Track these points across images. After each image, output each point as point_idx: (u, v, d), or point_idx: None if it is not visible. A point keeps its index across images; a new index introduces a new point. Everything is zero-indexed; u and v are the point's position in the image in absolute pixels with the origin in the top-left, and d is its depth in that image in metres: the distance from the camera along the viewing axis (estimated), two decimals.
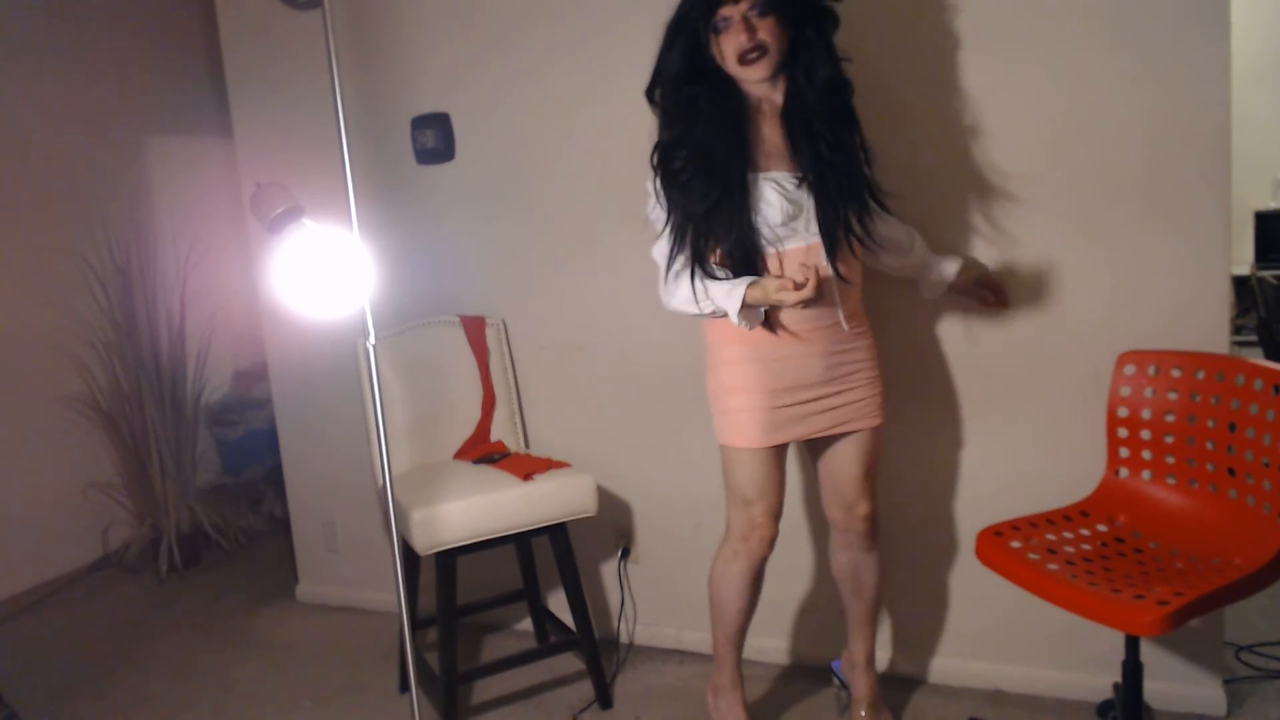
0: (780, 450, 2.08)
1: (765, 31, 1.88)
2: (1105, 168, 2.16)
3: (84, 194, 3.85)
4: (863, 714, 2.27)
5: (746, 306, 1.89)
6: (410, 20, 2.86)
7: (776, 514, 2.09)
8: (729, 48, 1.91)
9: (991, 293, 2.25)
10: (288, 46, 3.04)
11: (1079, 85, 2.15)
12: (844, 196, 1.94)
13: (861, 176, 1.98)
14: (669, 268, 1.99)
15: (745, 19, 1.87)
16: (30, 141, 3.69)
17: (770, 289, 1.84)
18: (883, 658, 2.53)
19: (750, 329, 1.96)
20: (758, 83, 1.95)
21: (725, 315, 1.93)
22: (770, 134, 1.97)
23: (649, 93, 2.02)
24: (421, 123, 2.88)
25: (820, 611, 2.60)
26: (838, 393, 2.04)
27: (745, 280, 1.89)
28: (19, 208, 3.66)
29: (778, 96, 1.98)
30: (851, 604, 2.25)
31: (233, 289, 4.13)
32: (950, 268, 2.21)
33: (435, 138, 2.86)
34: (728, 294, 1.90)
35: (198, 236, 4.10)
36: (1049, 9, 2.15)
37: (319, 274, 2.05)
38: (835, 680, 2.41)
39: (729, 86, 1.96)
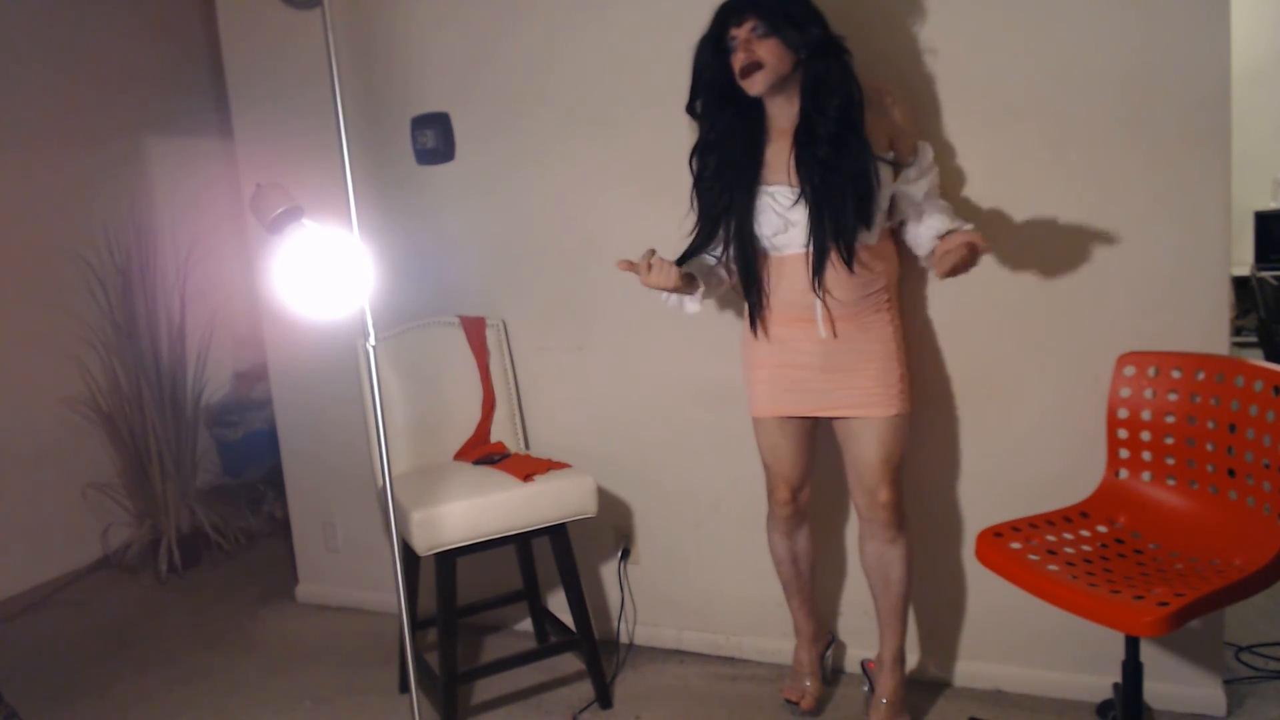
0: (785, 424, 2.25)
1: (765, 51, 1.99)
2: (1106, 167, 2.16)
3: (84, 194, 3.85)
4: (880, 714, 2.27)
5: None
6: (410, 20, 2.85)
7: (789, 483, 2.29)
8: (735, 65, 2.03)
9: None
10: (288, 46, 3.03)
11: (1079, 85, 2.15)
12: (835, 216, 2.03)
13: (855, 198, 2.02)
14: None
15: (746, 39, 2.00)
16: (30, 142, 3.69)
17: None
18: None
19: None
20: (759, 97, 2.06)
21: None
22: (782, 150, 2.09)
23: (689, 106, 2.16)
24: (421, 123, 2.88)
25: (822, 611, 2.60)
26: (838, 378, 2.16)
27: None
28: (19, 208, 3.65)
29: (794, 116, 2.08)
30: (879, 597, 2.28)
31: (233, 289, 4.13)
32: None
33: (435, 138, 2.86)
34: None
35: (197, 236, 4.10)
36: (1049, 10, 2.15)
37: (319, 274, 2.06)
38: (866, 680, 2.41)
39: (751, 102, 2.09)
